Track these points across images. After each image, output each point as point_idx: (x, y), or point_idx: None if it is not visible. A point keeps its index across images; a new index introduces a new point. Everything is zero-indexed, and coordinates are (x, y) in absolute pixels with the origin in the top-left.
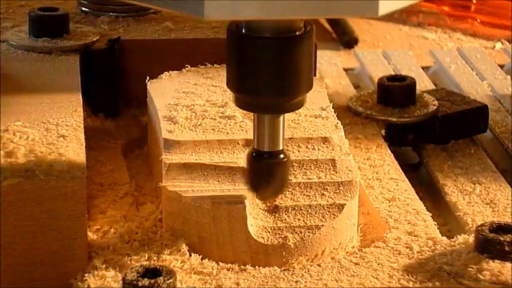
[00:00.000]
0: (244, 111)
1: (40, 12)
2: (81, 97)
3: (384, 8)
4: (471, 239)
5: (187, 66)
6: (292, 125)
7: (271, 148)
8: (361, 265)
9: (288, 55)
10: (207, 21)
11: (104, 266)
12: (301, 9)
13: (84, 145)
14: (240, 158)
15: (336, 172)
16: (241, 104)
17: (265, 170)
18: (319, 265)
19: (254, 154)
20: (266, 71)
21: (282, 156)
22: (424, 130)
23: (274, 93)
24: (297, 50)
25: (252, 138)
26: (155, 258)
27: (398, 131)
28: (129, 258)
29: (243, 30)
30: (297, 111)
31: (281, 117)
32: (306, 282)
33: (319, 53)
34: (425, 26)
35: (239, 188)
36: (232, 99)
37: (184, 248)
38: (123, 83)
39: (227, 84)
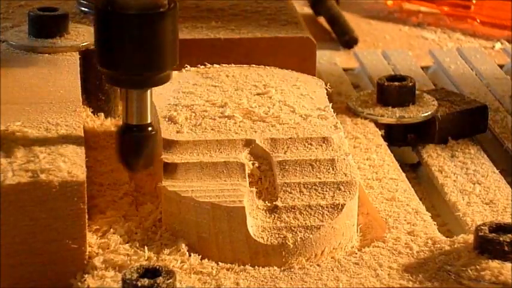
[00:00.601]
0: (245, 112)
1: (40, 12)
2: (81, 97)
3: None
4: (471, 239)
5: (187, 66)
6: (292, 125)
7: (139, 122)
8: (361, 265)
9: (151, 31)
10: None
11: (104, 266)
12: None
13: (84, 145)
14: (240, 158)
15: (336, 172)
16: (109, 79)
17: (134, 142)
18: (319, 265)
19: (123, 128)
20: (132, 47)
21: (150, 129)
22: (424, 130)
23: (140, 68)
24: (161, 26)
25: (251, 138)
26: (155, 258)
27: (398, 131)
28: (129, 258)
29: (109, 8)
30: (297, 111)
31: (148, 92)
32: (305, 282)
33: (319, 53)
34: (425, 26)
35: (239, 188)
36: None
37: (184, 248)
38: None
39: (97, 62)
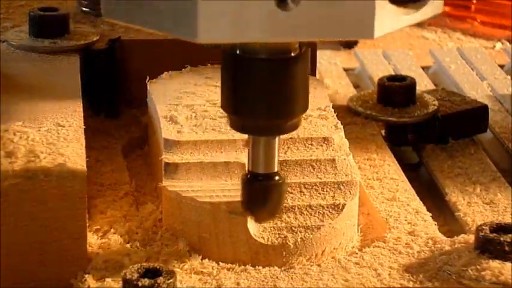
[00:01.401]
0: None
1: (40, 12)
2: (81, 97)
3: (379, 31)
4: (471, 239)
5: (187, 66)
6: None
7: (266, 170)
8: (361, 265)
9: (282, 77)
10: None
11: (104, 266)
12: (298, 32)
13: (84, 145)
14: (241, 158)
15: (336, 172)
16: (235, 125)
17: (260, 192)
18: (319, 265)
19: (249, 176)
20: (261, 92)
21: (277, 178)
22: (424, 130)
23: (270, 115)
24: (292, 71)
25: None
26: (156, 258)
27: (398, 131)
28: (129, 258)
29: (238, 52)
30: None
31: (276, 139)
32: (306, 282)
33: (319, 53)
34: (425, 26)
35: (239, 187)
36: (227, 120)
37: (184, 248)
38: (123, 83)
39: (221, 106)
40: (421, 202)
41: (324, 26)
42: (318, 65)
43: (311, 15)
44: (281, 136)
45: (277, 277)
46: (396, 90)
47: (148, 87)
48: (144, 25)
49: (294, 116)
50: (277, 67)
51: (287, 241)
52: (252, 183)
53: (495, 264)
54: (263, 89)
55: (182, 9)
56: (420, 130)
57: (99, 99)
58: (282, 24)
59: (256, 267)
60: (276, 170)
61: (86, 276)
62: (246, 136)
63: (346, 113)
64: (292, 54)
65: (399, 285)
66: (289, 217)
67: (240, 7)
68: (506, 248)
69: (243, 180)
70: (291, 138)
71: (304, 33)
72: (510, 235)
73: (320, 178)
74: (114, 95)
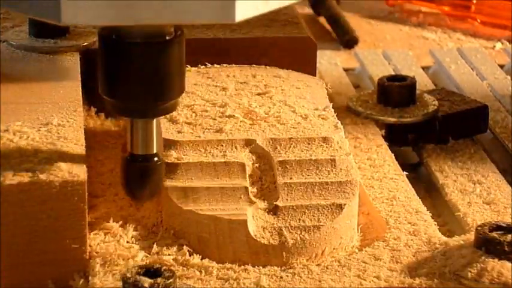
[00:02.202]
0: (245, 111)
1: None
2: (81, 97)
3: (241, 15)
4: (471, 239)
5: (187, 66)
6: (293, 125)
7: (145, 151)
8: (361, 265)
9: (157, 60)
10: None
11: (104, 266)
12: (160, 15)
13: (84, 145)
14: (241, 158)
15: (336, 172)
16: (113, 109)
17: (140, 173)
18: (319, 265)
19: (128, 157)
20: (136, 76)
21: (156, 159)
22: (424, 130)
23: (146, 98)
24: (167, 54)
25: (252, 138)
26: (155, 258)
27: (398, 131)
28: (128, 258)
29: (113, 36)
30: (297, 111)
31: (154, 121)
32: (306, 282)
33: (319, 53)
34: (425, 26)
35: (239, 187)
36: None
37: (184, 248)
38: None
39: (99, 90)
40: (421, 202)
41: (186, 9)
42: (318, 65)
43: None
44: (282, 136)
45: (277, 277)
46: (396, 90)
47: None
48: (16, 9)
49: (169, 99)
50: (152, 50)
51: (287, 241)
52: (131, 164)
53: (495, 264)
54: (138, 72)
55: None
56: (420, 130)
57: (99, 99)
58: (143, 7)
59: (256, 267)
60: (154, 151)
61: (86, 276)
62: (245, 136)
63: (346, 113)
64: (167, 38)
65: (399, 285)
66: (289, 217)
67: None
68: (506, 248)
69: (123, 161)
70: (291, 138)
71: (166, 16)
72: (510, 235)
73: (320, 178)
74: None
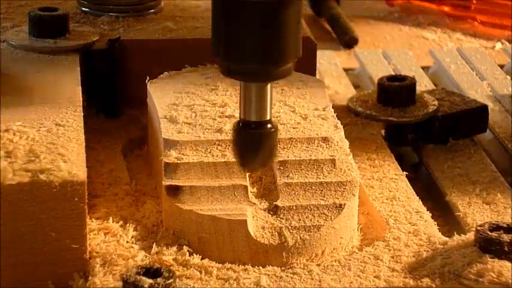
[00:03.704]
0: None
1: (40, 12)
2: (81, 97)
3: None
4: (471, 239)
5: (187, 66)
6: (293, 125)
7: (258, 118)
8: (361, 265)
9: (274, 20)
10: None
11: (104, 266)
12: None
13: (84, 145)
14: None
15: (336, 172)
16: (226, 71)
17: (253, 140)
18: (319, 265)
19: (241, 124)
20: (252, 37)
21: (269, 126)
22: (424, 130)
23: (261, 60)
24: (283, 15)
25: None
26: (155, 258)
27: (398, 131)
28: (128, 258)
29: None
30: (297, 111)
31: (268, 86)
32: (306, 282)
33: (319, 53)
34: (425, 26)
35: (239, 187)
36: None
37: (184, 248)
38: (123, 83)
39: (211, 52)
40: (421, 202)
41: None
42: (318, 65)
43: None
44: (281, 136)
45: (277, 277)
46: (396, 90)
47: (148, 87)
48: None
49: (285, 62)
50: (268, 10)
51: (287, 241)
52: (244, 132)
53: (495, 264)
54: (254, 33)
55: None
56: (420, 130)
57: (99, 99)
58: None
59: (256, 267)
60: (268, 118)
61: (86, 276)
62: None
63: (346, 113)
64: None
65: (399, 285)
66: (289, 217)
67: None
68: (506, 248)
69: (235, 128)
70: (291, 138)
71: None
72: (510, 235)
73: (320, 178)
74: (114, 95)
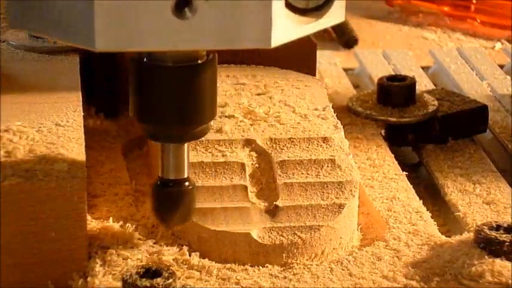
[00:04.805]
0: (245, 111)
1: None
2: (81, 97)
3: (276, 41)
4: (471, 238)
5: None
6: (293, 125)
7: (176, 176)
8: (362, 265)
9: (189, 84)
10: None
11: (104, 266)
12: (196, 41)
13: (84, 145)
14: (240, 158)
15: (336, 172)
16: (145, 133)
17: (171, 198)
18: (319, 265)
19: (159, 182)
20: (168, 100)
21: (187, 183)
22: (424, 130)
23: (177, 122)
24: (199, 78)
25: (252, 138)
26: (155, 258)
27: (398, 131)
28: (128, 258)
29: (145, 59)
30: (297, 111)
31: (185, 145)
32: (306, 282)
33: (319, 53)
34: (425, 26)
35: (239, 187)
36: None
37: (184, 248)
38: (123, 83)
39: (130, 113)
40: (421, 202)
41: (222, 35)
42: (318, 65)
43: (208, 24)
44: (281, 136)
45: (277, 277)
46: (396, 90)
47: None
48: (49, 35)
49: (202, 123)
50: (184, 74)
51: (287, 241)
52: (162, 189)
53: (495, 264)
54: (170, 97)
55: (81, 20)
56: (420, 130)
57: (98, 99)
58: (179, 33)
59: (256, 267)
60: (186, 176)
61: (86, 276)
62: (246, 136)
63: (346, 113)
64: (199, 62)
65: (399, 285)
66: (289, 217)
67: (136, 16)
68: (506, 248)
69: (154, 186)
70: (291, 138)
71: (202, 42)
72: (510, 235)
73: (320, 178)
74: (114, 95)
